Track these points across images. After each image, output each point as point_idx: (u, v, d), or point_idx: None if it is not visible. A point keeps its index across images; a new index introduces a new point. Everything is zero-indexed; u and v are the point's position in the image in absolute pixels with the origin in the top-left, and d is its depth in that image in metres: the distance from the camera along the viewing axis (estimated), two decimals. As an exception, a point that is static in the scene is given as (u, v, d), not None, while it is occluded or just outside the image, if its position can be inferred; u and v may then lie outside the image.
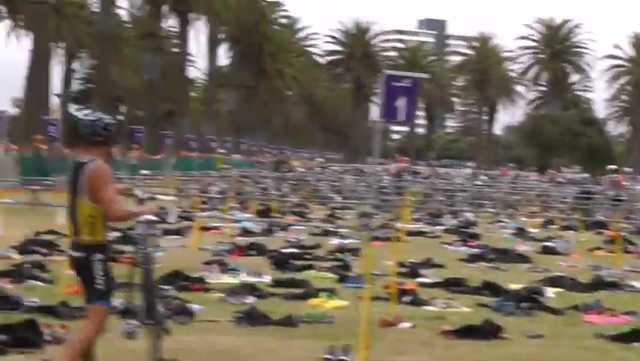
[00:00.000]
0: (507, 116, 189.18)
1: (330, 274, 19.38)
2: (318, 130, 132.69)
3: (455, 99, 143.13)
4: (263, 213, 34.23)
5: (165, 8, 72.29)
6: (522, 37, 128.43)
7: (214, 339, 11.38)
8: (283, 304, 15.38)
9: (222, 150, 64.49)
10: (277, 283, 17.58)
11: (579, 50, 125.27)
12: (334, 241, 26.32)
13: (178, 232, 25.11)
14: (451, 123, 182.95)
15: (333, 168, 71.83)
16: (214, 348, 11.39)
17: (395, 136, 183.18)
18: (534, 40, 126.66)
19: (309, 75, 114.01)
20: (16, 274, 16.56)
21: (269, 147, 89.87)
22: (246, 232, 26.99)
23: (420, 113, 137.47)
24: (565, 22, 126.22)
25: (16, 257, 19.48)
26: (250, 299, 15.49)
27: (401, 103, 25.76)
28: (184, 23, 74.25)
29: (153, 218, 10.13)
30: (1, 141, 41.18)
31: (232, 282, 17.26)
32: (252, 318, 13.54)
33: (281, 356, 11.57)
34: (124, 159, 46.18)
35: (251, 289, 16.30)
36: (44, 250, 20.68)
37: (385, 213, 33.90)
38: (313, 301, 15.72)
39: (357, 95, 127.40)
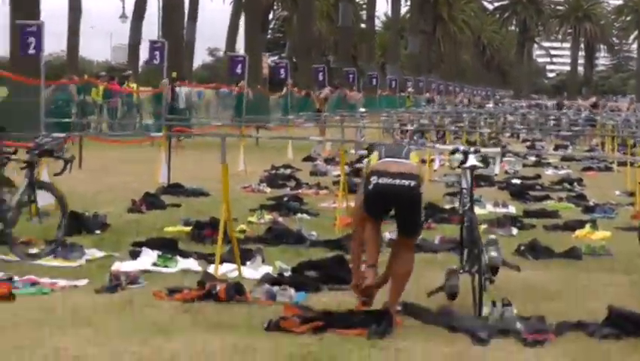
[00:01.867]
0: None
1: (569, 204, 17.82)
2: (484, 70, 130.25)
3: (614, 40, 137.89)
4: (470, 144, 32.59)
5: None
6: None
7: (518, 275, 9.84)
8: (546, 235, 13.81)
9: (410, 90, 63.43)
10: (527, 213, 16.00)
11: None
12: (549, 172, 24.80)
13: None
14: (602, 61, 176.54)
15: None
16: (524, 284, 9.90)
17: (550, 75, 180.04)
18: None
19: (478, 20, 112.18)
20: (283, 207, 15.40)
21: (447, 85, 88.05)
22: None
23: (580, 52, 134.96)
24: None
25: (268, 190, 18.46)
26: (514, 231, 14.01)
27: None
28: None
29: (478, 164, 8.88)
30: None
31: (482, 213, 15.61)
32: (535, 251, 12.02)
33: (592, 289, 9.99)
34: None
35: (512, 219, 14.78)
36: (290, 183, 19.79)
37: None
38: (579, 232, 14.00)
39: (521, 37, 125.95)
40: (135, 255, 10.78)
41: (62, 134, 11.64)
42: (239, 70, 30.17)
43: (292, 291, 8.98)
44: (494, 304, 8.30)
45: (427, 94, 65.29)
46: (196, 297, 8.69)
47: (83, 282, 9.46)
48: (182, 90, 28.53)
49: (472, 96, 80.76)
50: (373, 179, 8.15)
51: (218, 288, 8.75)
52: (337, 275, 9.72)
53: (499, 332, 7.85)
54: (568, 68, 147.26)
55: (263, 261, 10.53)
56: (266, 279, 9.38)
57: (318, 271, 9.86)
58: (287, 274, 9.94)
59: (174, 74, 20.73)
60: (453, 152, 9.33)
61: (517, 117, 45.50)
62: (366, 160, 9.04)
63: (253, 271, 10.15)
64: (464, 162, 9.04)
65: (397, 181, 8.08)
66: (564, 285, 10.12)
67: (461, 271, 8.80)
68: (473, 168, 9.03)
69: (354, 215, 8.91)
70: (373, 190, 8.14)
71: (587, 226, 14.25)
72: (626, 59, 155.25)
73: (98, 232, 12.59)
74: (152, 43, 24.41)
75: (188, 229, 12.88)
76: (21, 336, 7.36)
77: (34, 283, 9.20)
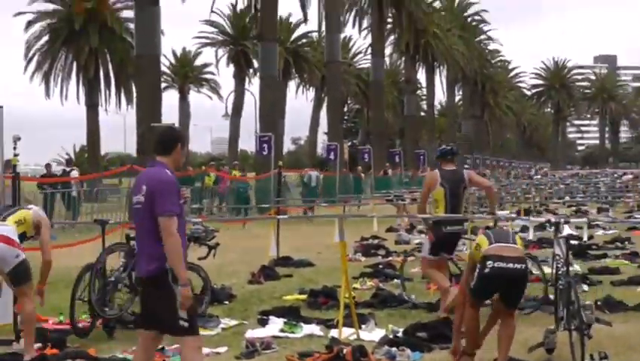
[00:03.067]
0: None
1: (625, 261, 17.10)
2: (524, 146, 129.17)
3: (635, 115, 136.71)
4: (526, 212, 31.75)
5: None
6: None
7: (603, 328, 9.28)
8: (614, 290, 13.13)
9: (466, 166, 63.06)
10: (592, 271, 15.23)
11: None
12: (599, 232, 23.98)
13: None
14: (624, 135, 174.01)
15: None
16: (609, 336, 9.33)
17: (580, 148, 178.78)
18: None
19: (519, 104, 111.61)
20: (381, 274, 14.95)
21: (497, 161, 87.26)
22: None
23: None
24: None
25: (363, 259, 18.04)
26: (585, 287, 13.29)
27: None
28: (430, 70, 73.01)
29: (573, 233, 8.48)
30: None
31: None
32: (610, 305, 11.31)
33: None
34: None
35: (582, 277, 14.09)
36: (380, 252, 19.28)
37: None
38: None
39: (556, 117, 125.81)
40: (263, 322, 10.44)
41: (211, 227, 11.29)
42: (332, 156, 30.14)
43: (409, 351, 8.57)
44: (592, 357, 7.81)
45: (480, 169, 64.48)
46: (326, 360, 8.30)
47: (223, 349, 9.13)
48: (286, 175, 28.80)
49: (517, 169, 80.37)
50: (489, 263, 7.84)
51: (345, 351, 8.36)
52: (446, 335, 9.26)
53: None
54: (595, 141, 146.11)
55: (375, 324, 10.14)
56: (384, 341, 8.97)
57: (427, 332, 9.39)
58: (398, 335, 9.53)
59: (280, 163, 20.53)
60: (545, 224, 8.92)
61: (562, 186, 44.52)
62: (473, 243, 8.74)
63: (368, 334, 9.76)
64: (559, 231, 8.61)
65: (511, 265, 7.82)
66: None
67: (560, 329, 8.32)
68: (569, 237, 8.61)
69: (460, 292, 8.51)
70: (489, 273, 7.82)
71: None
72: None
73: (227, 302, 12.30)
74: (260, 136, 24.32)
75: (304, 296, 12.53)
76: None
77: (182, 352, 8.88)
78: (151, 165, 6.74)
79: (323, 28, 52.04)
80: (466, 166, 46.73)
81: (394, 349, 8.59)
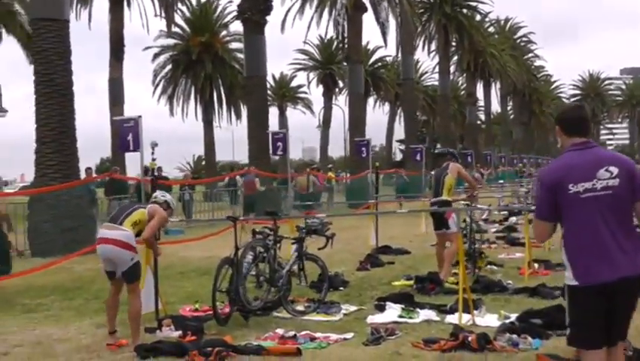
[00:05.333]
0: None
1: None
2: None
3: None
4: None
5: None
6: None
7: None
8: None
9: (520, 165, 61.26)
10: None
11: None
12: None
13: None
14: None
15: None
16: None
17: (609, 147, 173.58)
18: None
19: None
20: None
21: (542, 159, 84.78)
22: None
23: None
24: None
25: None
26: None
27: None
28: (487, 85, 71.30)
29: None
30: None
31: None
32: None
33: None
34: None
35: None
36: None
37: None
38: None
39: (592, 121, 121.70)
40: (381, 308, 9.27)
41: (324, 216, 10.18)
42: (418, 157, 29.02)
43: (530, 338, 7.28)
44: None
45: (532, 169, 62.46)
46: (452, 347, 7.09)
47: (349, 335, 7.98)
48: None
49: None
50: None
51: (470, 338, 7.13)
52: (561, 322, 7.92)
53: None
54: (624, 141, 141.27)
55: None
56: (504, 328, 7.68)
57: (541, 319, 8.07)
58: (511, 321, 8.24)
59: (377, 164, 19.36)
60: None
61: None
62: None
63: (482, 319, 8.48)
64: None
65: None
66: None
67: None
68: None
69: None
70: None
71: None
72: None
73: (341, 288, 11.16)
74: (359, 141, 23.29)
75: (411, 282, 11.31)
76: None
77: (312, 339, 7.77)
78: (589, 145, 4.51)
79: (396, 51, 51.13)
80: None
81: (515, 336, 7.32)
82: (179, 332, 7.97)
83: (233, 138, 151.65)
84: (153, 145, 9.25)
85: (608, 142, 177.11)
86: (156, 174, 9.64)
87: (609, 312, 4.30)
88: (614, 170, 4.33)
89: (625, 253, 4.24)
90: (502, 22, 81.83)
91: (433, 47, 59.22)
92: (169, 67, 52.79)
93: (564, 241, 4.45)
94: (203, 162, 59.92)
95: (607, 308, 4.29)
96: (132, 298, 7.63)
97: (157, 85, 53.01)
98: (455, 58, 64.82)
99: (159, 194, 8.41)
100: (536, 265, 12.34)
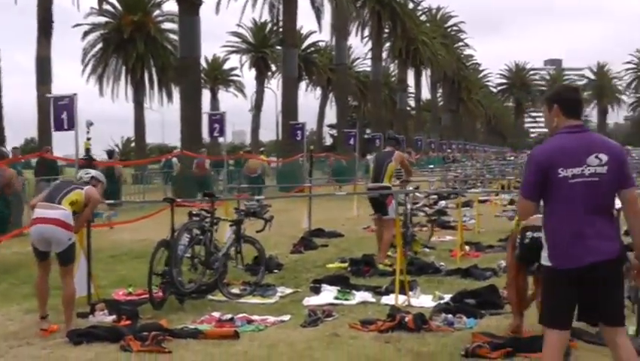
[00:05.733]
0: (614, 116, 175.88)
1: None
2: (490, 134, 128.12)
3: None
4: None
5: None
6: (627, 62, 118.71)
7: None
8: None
9: (449, 150, 62.31)
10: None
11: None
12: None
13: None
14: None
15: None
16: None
17: (532, 135, 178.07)
18: (635, 65, 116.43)
19: (487, 100, 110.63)
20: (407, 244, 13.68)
21: (470, 145, 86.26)
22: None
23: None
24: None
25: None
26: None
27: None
28: (418, 72, 72.12)
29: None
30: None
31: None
32: None
33: None
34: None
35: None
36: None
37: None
38: None
39: (516, 110, 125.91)
40: (316, 290, 9.27)
41: (263, 198, 10.07)
42: (351, 142, 29.03)
43: (465, 318, 7.38)
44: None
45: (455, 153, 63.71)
46: (390, 327, 7.13)
47: (287, 317, 7.95)
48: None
49: (485, 153, 79.78)
50: (529, 234, 6.63)
51: (407, 319, 7.19)
52: (492, 301, 8.09)
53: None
54: (546, 130, 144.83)
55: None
56: (440, 308, 7.78)
57: (475, 299, 8.20)
58: (445, 301, 8.35)
59: (311, 147, 19.28)
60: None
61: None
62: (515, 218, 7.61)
63: (417, 300, 8.58)
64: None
65: None
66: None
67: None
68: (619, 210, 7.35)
69: (510, 267, 7.26)
70: (530, 243, 6.62)
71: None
72: (584, 121, 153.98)
73: (276, 271, 11.11)
74: (295, 124, 23.10)
75: (346, 265, 11.35)
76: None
77: (250, 321, 7.71)
78: (583, 129, 4.52)
79: (331, 36, 51.28)
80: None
81: (450, 316, 7.42)
82: (113, 317, 7.79)
83: (162, 120, 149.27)
84: (89, 124, 9.02)
85: (532, 130, 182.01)
86: (91, 154, 9.39)
87: (588, 296, 4.34)
88: (604, 157, 4.35)
89: (603, 239, 4.30)
90: (434, 11, 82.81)
91: (366, 33, 59.54)
92: (99, 46, 51.55)
93: (544, 222, 4.47)
94: (132, 144, 58.88)
95: (585, 292, 4.33)
96: (67, 282, 7.41)
97: (87, 64, 51.77)
98: (388, 45, 65.20)
99: (82, 173, 8.18)
100: (467, 248, 12.52)
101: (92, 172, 8.11)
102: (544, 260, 4.44)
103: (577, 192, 4.31)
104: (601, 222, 4.34)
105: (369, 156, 39.19)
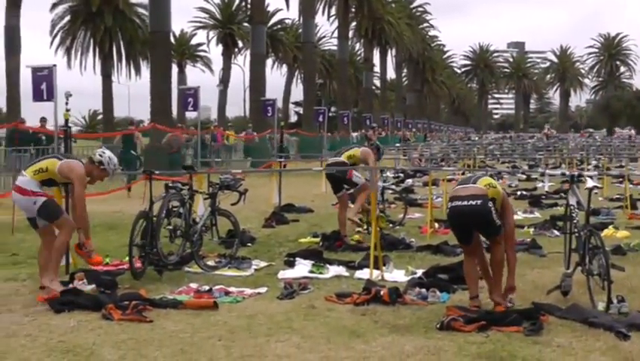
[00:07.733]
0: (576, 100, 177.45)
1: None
2: (454, 114, 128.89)
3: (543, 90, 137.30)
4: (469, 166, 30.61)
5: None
6: (589, 47, 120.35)
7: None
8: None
9: (414, 130, 62.48)
10: (553, 218, 14.17)
11: (626, 52, 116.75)
12: (540, 185, 23.11)
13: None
14: (532, 106, 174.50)
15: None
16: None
17: (496, 116, 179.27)
18: (597, 49, 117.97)
19: (451, 80, 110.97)
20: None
21: (435, 125, 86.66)
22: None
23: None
24: (617, 35, 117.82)
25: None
26: (556, 233, 12.36)
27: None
28: (384, 52, 72.11)
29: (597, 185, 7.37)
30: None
31: (518, 219, 13.89)
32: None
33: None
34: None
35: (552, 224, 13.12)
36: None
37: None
38: (605, 232, 12.00)
39: (480, 91, 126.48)
40: (291, 264, 9.31)
41: (239, 172, 10.04)
42: (320, 119, 28.97)
43: (438, 292, 7.49)
44: (610, 300, 6.79)
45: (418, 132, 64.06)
46: (365, 300, 7.20)
47: (263, 289, 7.98)
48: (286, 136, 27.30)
49: (450, 133, 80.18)
50: (449, 204, 6.77)
51: (382, 292, 7.26)
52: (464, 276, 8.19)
53: (632, 326, 6.28)
54: (509, 111, 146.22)
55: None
56: (414, 283, 7.87)
57: (447, 274, 8.31)
58: (417, 276, 8.44)
59: (282, 123, 19.21)
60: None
61: (496, 146, 43.52)
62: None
63: (390, 274, 8.67)
64: (577, 182, 7.56)
65: (465, 203, 6.69)
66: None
67: (577, 273, 7.29)
68: (592, 188, 7.54)
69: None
70: (449, 213, 6.76)
71: (610, 227, 12.67)
72: (547, 103, 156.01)
73: (249, 244, 11.13)
74: (266, 101, 22.91)
75: (317, 239, 11.41)
76: (243, 345, 5.87)
77: (227, 293, 7.73)
78: None
79: (299, 14, 50.92)
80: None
81: (424, 290, 7.51)
82: (92, 286, 7.75)
83: (129, 94, 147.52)
84: (68, 95, 8.88)
85: (495, 111, 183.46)
86: (65, 126, 9.25)
87: None
88: None
89: None
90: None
91: (333, 11, 59.37)
92: (67, 18, 50.69)
93: None
94: (100, 117, 58.20)
95: None
96: (60, 233, 7.44)
97: (55, 36, 50.92)
98: (354, 24, 65.07)
99: (99, 151, 8.00)
100: (437, 225, 12.65)
101: (106, 155, 7.89)
102: None
103: None
104: None
105: (354, 134, 39.32)
